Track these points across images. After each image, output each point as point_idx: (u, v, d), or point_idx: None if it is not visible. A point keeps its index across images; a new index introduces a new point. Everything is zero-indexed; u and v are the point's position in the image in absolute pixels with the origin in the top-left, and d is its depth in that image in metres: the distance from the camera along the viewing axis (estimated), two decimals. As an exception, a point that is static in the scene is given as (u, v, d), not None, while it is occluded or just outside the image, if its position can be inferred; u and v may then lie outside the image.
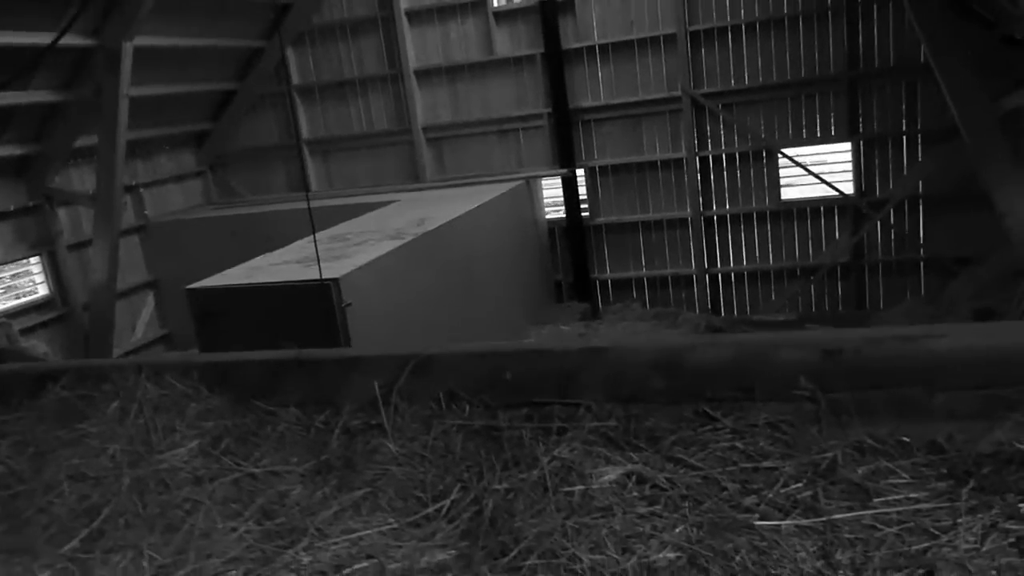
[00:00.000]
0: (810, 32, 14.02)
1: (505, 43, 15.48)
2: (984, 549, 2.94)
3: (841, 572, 2.93)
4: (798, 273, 15.08)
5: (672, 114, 14.95)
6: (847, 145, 14.42)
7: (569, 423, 3.67)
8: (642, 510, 3.24)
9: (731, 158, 15.01)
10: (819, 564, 2.97)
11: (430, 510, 3.38)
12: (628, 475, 3.37)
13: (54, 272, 14.51)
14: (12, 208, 13.68)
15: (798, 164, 14.57)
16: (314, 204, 11.44)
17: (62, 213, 14.51)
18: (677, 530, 3.15)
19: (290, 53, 16.49)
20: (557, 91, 15.11)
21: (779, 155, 14.67)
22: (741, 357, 3.65)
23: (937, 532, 3.04)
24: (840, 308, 14.91)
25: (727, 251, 15.44)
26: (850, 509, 3.16)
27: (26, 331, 13.54)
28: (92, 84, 13.12)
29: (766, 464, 3.36)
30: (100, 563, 3.43)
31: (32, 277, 14.47)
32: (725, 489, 3.30)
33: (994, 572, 2.85)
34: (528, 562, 3.04)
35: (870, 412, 3.44)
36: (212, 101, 16.75)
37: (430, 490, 3.49)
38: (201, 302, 10.34)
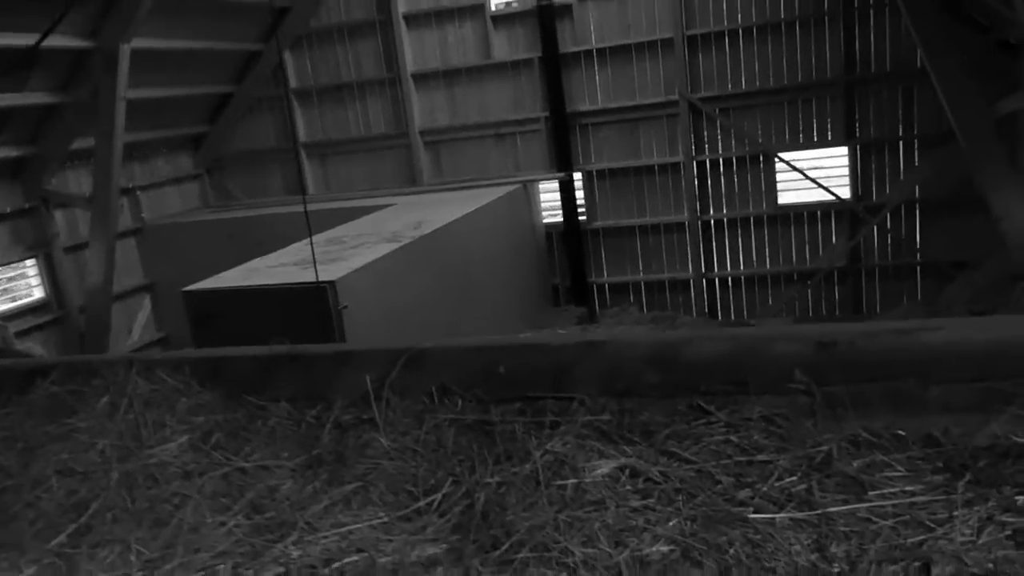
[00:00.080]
0: (807, 37, 14.04)
1: (503, 47, 15.48)
2: (980, 542, 2.92)
3: (836, 565, 2.90)
4: (795, 277, 15.07)
5: (669, 118, 14.95)
6: (844, 150, 14.43)
7: (562, 417, 3.65)
8: (635, 503, 3.21)
9: (728, 162, 15.01)
10: (814, 557, 2.94)
11: (421, 504, 3.35)
12: (621, 468, 3.35)
13: (50, 274, 14.46)
14: (8, 210, 13.64)
15: (795, 168, 14.56)
16: (311, 207, 11.39)
17: (58, 215, 14.47)
18: (670, 523, 3.12)
19: (288, 56, 16.48)
20: (555, 95, 15.10)
21: (776, 159, 14.66)
22: (735, 351, 3.62)
23: (933, 525, 3.01)
24: (837, 312, 14.91)
25: (724, 255, 15.42)
26: (845, 502, 3.13)
27: (22, 333, 13.49)
28: (89, 86, 13.10)
29: (760, 457, 3.33)
30: (87, 558, 3.40)
31: (28, 279, 14.42)
32: (719, 482, 3.27)
33: (990, 565, 2.83)
34: (520, 555, 3.00)
35: (865, 405, 3.41)
36: (209, 104, 16.74)
37: (421, 484, 3.46)
38: (197, 304, 10.31)
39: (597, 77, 15.14)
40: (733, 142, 14.81)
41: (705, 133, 14.93)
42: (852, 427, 3.43)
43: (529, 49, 15.27)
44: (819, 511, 3.08)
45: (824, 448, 3.33)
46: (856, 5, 13.69)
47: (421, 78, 15.99)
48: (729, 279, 15.54)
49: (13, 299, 14.13)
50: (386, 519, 3.31)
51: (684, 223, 15.33)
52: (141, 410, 4.09)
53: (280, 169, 17.24)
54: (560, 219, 15.82)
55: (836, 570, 2.88)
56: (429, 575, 2.97)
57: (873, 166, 14.33)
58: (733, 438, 3.43)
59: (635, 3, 14.62)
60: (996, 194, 11.31)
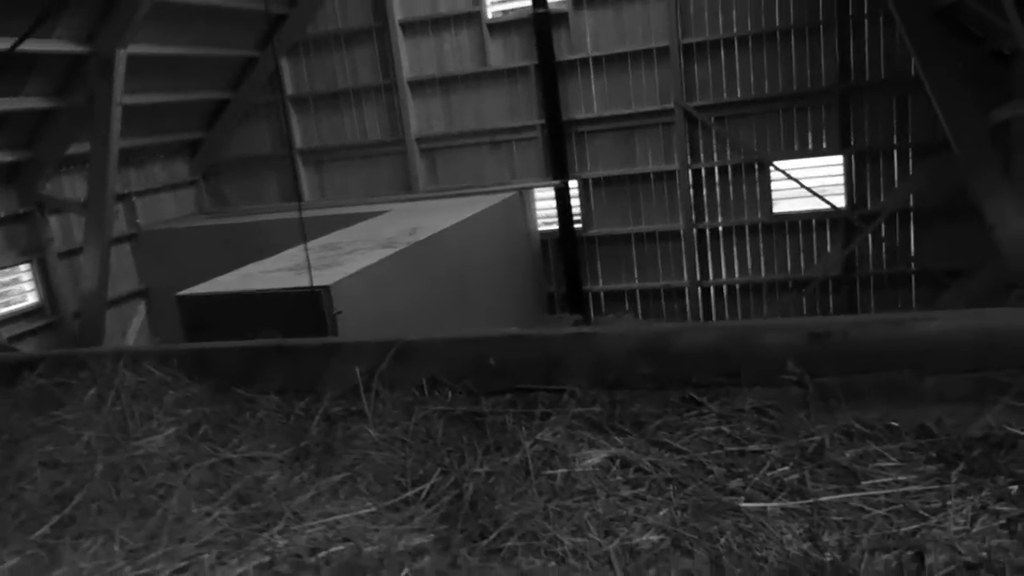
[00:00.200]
0: (802, 45, 14.07)
1: (499, 54, 15.49)
2: (974, 531, 2.89)
3: (828, 554, 2.87)
4: (790, 286, 15.05)
5: (665, 126, 14.95)
6: (839, 158, 14.43)
7: (553, 409, 3.62)
8: (626, 493, 3.18)
9: (723, 171, 15.01)
10: (806, 546, 2.91)
11: (409, 494, 3.32)
12: (612, 459, 3.32)
13: (44, 280, 14.39)
14: (3, 215, 13.58)
15: (790, 177, 14.56)
16: (306, 214, 11.37)
17: (53, 220, 14.42)
18: (661, 513, 3.09)
19: (284, 63, 16.46)
20: (550, 103, 15.10)
21: (771, 168, 14.67)
22: (727, 342, 3.59)
23: (926, 514, 2.99)
24: (832, 321, 14.85)
25: (719, 263, 15.41)
26: (838, 492, 3.11)
27: (15, 339, 13.42)
28: (85, 91, 13.07)
29: (752, 448, 3.31)
30: (70, 549, 3.36)
31: (22, 284, 14.35)
32: (710, 472, 3.25)
33: (984, 554, 2.80)
34: (508, 544, 2.97)
35: (859, 396, 3.39)
36: (205, 110, 16.72)
37: (410, 475, 3.43)
38: (192, 309, 10.25)
39: (593, 85, 15.15)
40: (728, 150, 14.81)
41: (700, 141, 14.93)
42: (845, 418, 3.41)
43: (525, 57, 15.28)
44: (811, 500, 3.06)
45: (817, 438, 3.31)
46: (851, 14, 13.72)
47: (417, 85, 15.99)
48: (724, 287, 15.52)
49: (7, 304, 14.05)
50: (374, 509, 3.28)
51: (679, 231, 15.32)
52: (128, 402, 4.06)
53: (276, 176, 17.21)
54: (556, 226, 15.79)
55: (828, 559, 2.85)
56: (416, 564, 2.94)
57: (868, 174, 14.33)
58: (725, 429, 3.41)
59: (631, 12, 14.64)
60: (990, 202, 11.31)
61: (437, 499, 3.26)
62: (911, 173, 14.11)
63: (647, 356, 3.66)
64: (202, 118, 16.81)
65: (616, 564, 2.86)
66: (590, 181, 15.64)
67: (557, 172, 15.38)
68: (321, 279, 9.71)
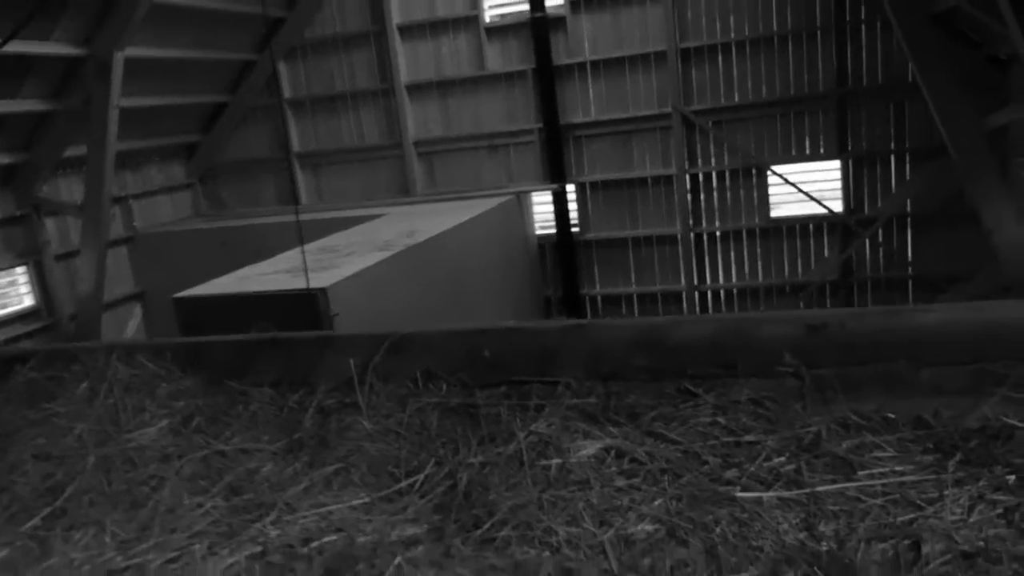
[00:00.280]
0: (799, 50, 14.08)
1: (497, 58, 15.50)
2: (971, 520, 2.88)
3: (824, 543, 2.86)
4: (787, 290, 15.04)
5: (662, 131, 14.95)
6: (836, 163, 14.43)
7: (548, 400, 3.60)
8: (620, 483, 3.16)
9: (721, 175, 15.01)
10: (802, 536, 2.90)
11: (403, 485, 3.30)
12: (607, 449, 3.30)
13: (40, 282, 14.35)
14: (-1, 217, 13.58)
15: (788, 182, 14.57)
16: (304, 217, 11.36)
17: (49, 223, 14.37)
18: (656, 503, 3.07)
19: (282, 66, 16.46)
20: (548, 107, 15.10)
21: (769, 172, 14.67)
22: (723, 333, 3.58)
23: (923, 504, 2.97)
24: (830, 326, 14.82)
25: (716, 268, 15.40)
26: (834, 482, 3.09)
27: (11, 341, 13.36)
28: (82, 94, 13.05)
29: (748, 438, 3.29)
30: (61, 540, 3.33)
31: (18, 287, 14.31)
32: (706, 463, 3.23)
33: (981, 543, 2.78)
34: (502, 534, 2.95)
35: (855, 388, 3.37)
36: (203, 113, 16.71)
37: (404, 466, 3.41)
38: (188, 311, 10.23)
39: (590, 89, 15.15)
40: (726, 155, 14.82)
41: (698, 146, 14.93)
42: (842, 410, 3.39)
43: (523, 61, 15.29)
44: (808, 490, 3.04)
45: (813, 429, 3.29)
46: (848, 19, 13.74)
47: (415, 89, 16.00)
48: (721, 292, 15.51)
49: (3, 306, 14.01)
50: (367, 500, 3.26)
51: (677, 235, 15.31)
52: (121, 395, 4.03)
53: (273, 179, 17.19)
54: (553, 231, 15.78)
55: (825, 548, 2.83)
56: (409, 553, 2.91)
57: (865, 179, 14.33)
58: (721, 420, 3.39)
59: (628, 16, 14.66)
60: (987, 207, 11.31)
61: (431, 490, 3.24)
62: (908, 178, 14.11)
63: (643, 348, 3.64)
64: (199, 121, 16.80)
65: (611, 554, 2.84)
66: (587, 185, 15.64)
67: (555, 176, 15.37)
68: (318, 281, 9.69)
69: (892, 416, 3.35)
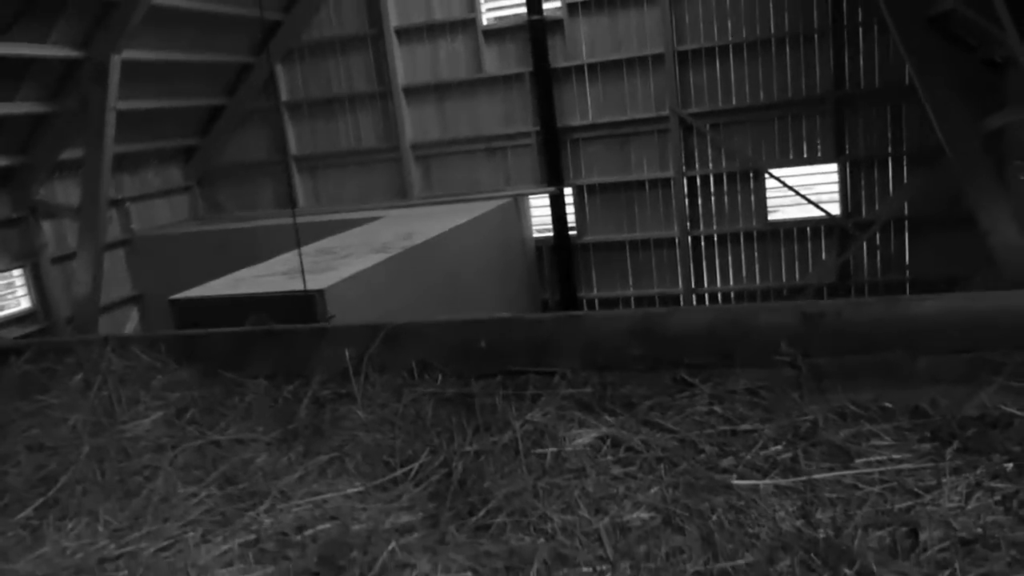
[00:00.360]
0: (796, 53, 14.10)
1: (494, 61, 15.51)
2: (969, 507, 2.86)
3: (821, 530, 2.84)
4: (785, 294, 15.01)
5: (660, 134, 14.96)
6: (833, 166, 14.44)
7: (543, 391, 3.58)
8: (616, 472, 3.15)
9: (718, 178, 15.01)
10: (799, 523, 2.88)
11: (398, 474, 3.28)
12: (602, 438, 3.28)
13: (37, 285, 14.31)
14: (-4, 220, 13.55)
15: (785, 185, 14.57)
16: (301, 220, 11.32)
17: (46, 225, 14.34)
18: (652, 491, 3.06)
19: (279, 69, 16.46)
20: (545, 109, 15.10)
21: (766, 175, 14.68)
22: (719, 323, 3.56)
23: (920, 492, 2.96)
24: (827, 329, 14.81)
25: (714, 271, 15.39)
26: (831, 470, 3.08)
27: (5, 343, 13.32)
28: (79, 96, 13.03)
29: (744, 427, 3.28)
30: (54, 529, 3.31)
31: (15, 289, 14.28)
32: (702, 451, 3.22)
33: (979, 530, 2.77)
34: (497, 520, 2.93)
35: (852, 377, 3.36)
36: (200, 116, 16.69)
37: (399, 455, 3.39)
38: (184, 312, 10.20)
39: (588, 92, 15.16)
40: (723, 158, 14.82)
41: (695, 149, 14.94)
42: (839, 399, 3.38)
43: (520, 64, 15.30)
44: (804, 478, 3.03)
45: (810, 418, 3.28)
46: (845, 23, 13.76)
47: (412, 92, 15.99)
48: (719, 295, 15.48)
49: (0, 309, 13.98)
50: (361, 488, 3.24)
51: (674, 239, 15.31)
52: (115, 387, 4.01)
53: (271, 182, 17.18)
54: (550, 233, 15.77)
55: (822, 535, 2.82)
56: (404, 540, 2.89)
57: (863, 182, 14.34)
58: (717, 409, 3.38)
59: (626, 19, 14.68)
60: (984, 209, 11.33)
61: (426, 478, 3.22)
62: (906, 181, 14.12)
63: (639, 338, 3.62)
64: (197, 124, 16.79)
65: (606, 541, 2.82)
66: (585, 188, 15.64)
67: (552, 179, 15.37)
68: (315, 283, 9.66)
69: (889, 406, 3.33)
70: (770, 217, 14.94)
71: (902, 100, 13.63)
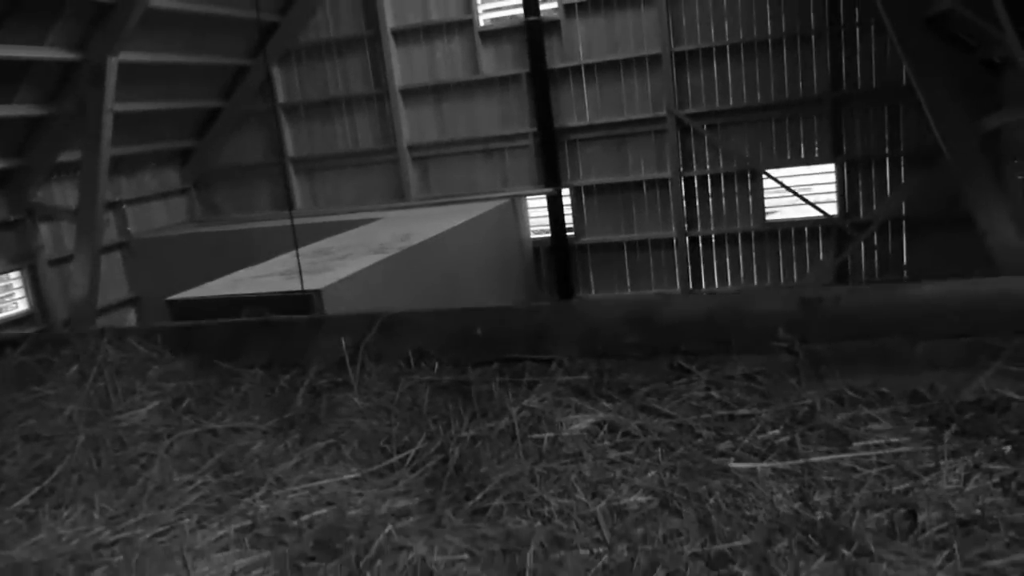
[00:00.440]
0: (793, 54, 14.12)
1: (491, 62, 15.53)
2: (968, 489, 2.86)
3: (819, 513, 2.83)
4: (783, 294, 15.01)
5: (657, 134, 14.98)
6: (831, 166, 14.46)
7: (540, 377, 3.58)
8: (613, 456, 3.14)
9: (716, 179, 15.02)
10: (797, 505, 2.87)
11: (394, 460, 3.27)
12: (599, 424, 3.28)
13: (34, 287, 14.31)
14: (-7, 222, 13.54)
15: (783, 185, 14.58)
16: (298, 221, 11.32)
17: (44, 228, 14.34)
18: (649, 475, 3.05)
19: (276, 71, 16.48)
20: (542, 110, 15.11)
21: (764, 176, 14.69)
22: (717, 310, 3.56)
23: (919, 474, 2.96)
24: (825, 329, 14.81)
25: (712, 271, 15.39)
26: (828, 453, 3.07)
27: (2, 346, 13.30)
28: (76, 99, 13.03)
29: (742, 412, 3.27)
30: (49, 517, 3.30)
31: (12, 292, 14.27)
32: (699, 436, 3.21)
33: (978, 511, 2.76)
34: (494, 504, 2.92)
35: (850, 363, 3.35)
36: (197, 118, 16.69)
37: (395, 441, 3.38)
38: (182, 313, 10.19)
39: (585, 93, 15.18)
40: (721, 158, 14.83)
41: (693, 149, 14.95)
42: (836, 384, 3.37)
43: (517, 65, 15.32)
44: (802, 461, 3.02)
45: (807, 402, 3.27)
46: (842, 23, 13.79)
47: (409, 93, 16.01)
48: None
49: (-4, 311, 13.99)
50: (358, 475, 3.23)
51: (672, 239, 15.30)
52: (111, 377, 4.00)
53: (268, 184, 17.18)
54: (548, 234, 15.78)
55: (819, 517, 2.81)
56: (400, 524, 2.88)
57: (860, 183, 14.36)
58: (715, 394, 3.37)
59: (623, 19, 14.71)
60: (982, 210, 11.32)
61: (422, 464, 3.21)
62: (903, 181, 14.14)
63: (636, 326, 3.62)
64: (194, 126, 16.79)
65: (603, 524, 2.81)
66: (582, 189, 15.64)
67: (549, 180, 15.37)
68: (313, 283, 9.66)
69: (887, 391, 3.33)
70: (768, 217, 14.95)
71: (899, 100, 13.65)
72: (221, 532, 2.95)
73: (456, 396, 3.62)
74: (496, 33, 15.37)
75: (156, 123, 15.49)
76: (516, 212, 15.32)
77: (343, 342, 3.81)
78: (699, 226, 15.25)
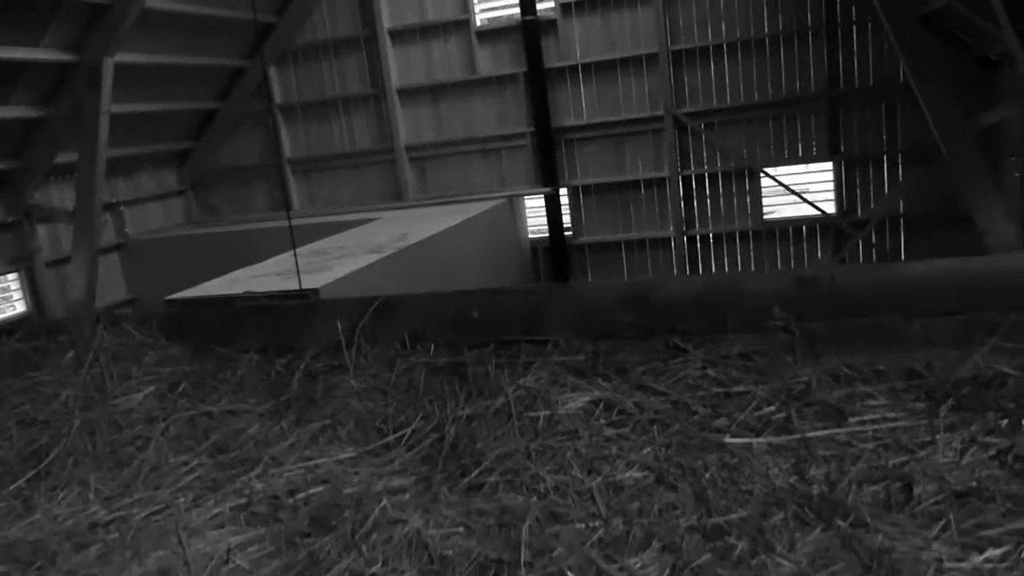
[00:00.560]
0: (791, 52, 14.13)
1: (488, 62, 15.53)
2: (964, 462, 2.86)
3: (815, 486, 2.83)
4: (781, 292, 15.00)
5: (654, 133, 14.97)
6: (828, 165, 14.46)
7: (536, 358, 3.57)
8: (609, 433, 3.14)
9: (714, 178, 15.01)
10: (793, 479, 2.87)
11: (390, 439, 3.26)
12: (595, 402, 3.27)
13: (32, 289, 14.27)
14: (-10, 224, 13.53)
15: (780, 184, 14.58)
16: (296, 222, 11.30)
17: (41, 229, 14.31)
18: (645, 451, 3.05)
19: (273, 72, 16.46)
20: (540, 110, 15.10)
21: (761, 175, 14.69)
22: (712, 290, 3.55)
23: (915, 448, 2.96)
24: (823, 327, 14.80)
25: (710, 271, 15.34)
26: (824, 429, 3.07)
27: (0, 347, 13.27)
28: (73, 100, 13.00)
29: (738, 389, 3.27)
30: (46, 499, 3.29)
31: (10, 294, 14.25)
32: (695, 413, 3.21)
33: (974, 483, 2.76)
34: (489, 480, 2.92)
35: (846, 341, 3.35)
36: (194, 120, 16.68)
37: (391, 422, 3.38)
38: (178, 312, 10.17)
39: (582, 92, 15.18)
40: (718, 157, 14.83)
41: (690, 148, 14.94)
42: (832, 363, 3.37)
43: (514, 64, 15.31)
44: (798, 436, 3.02)
45: (803, 379, 3.27)
46: (839, 21, 13.79)
47: (406, 93, 16.00)
48: (715, 295, 15.46)
49: (-6, 312, 13.96)
50: (354, 454, 3.23)
51: (670, 238, 15.28)
52: (107, 363, 3.99)
53: (265, 185, 17.17)
54: (545, 234, 15.77)
55: (816, 491, 2.81)
56: (396, 499, 2.88)
57: (858, 181, 14.35)
58: (710, 372, 3.37)
59: (619, 18, 14.72)
60: (980, 207, 11.32)
61: (418, 443, 3.21)
62: (901, 179, 14.14)
63: (631, 306, 3.61)
64: (190, 128, 16.78)
65: (599, 499, 2.81)
66: (580, 188, 15.63)
67: (547, 180, 15.36)
68: (310, 283, 9.64)
69: (883, 369, 3.33)
70: (765, 216, 14.94)
71: (897, 98, 13.65)
72: (216, 510, 2.94)
73: (452, 377, 3.62)
74: (493, 33, 15.37)
75: (153, 124, 15.47)
76: (514, 212, 15.31)
77: (339, 325, 3.81)
78: (697, 225, 15.23)
